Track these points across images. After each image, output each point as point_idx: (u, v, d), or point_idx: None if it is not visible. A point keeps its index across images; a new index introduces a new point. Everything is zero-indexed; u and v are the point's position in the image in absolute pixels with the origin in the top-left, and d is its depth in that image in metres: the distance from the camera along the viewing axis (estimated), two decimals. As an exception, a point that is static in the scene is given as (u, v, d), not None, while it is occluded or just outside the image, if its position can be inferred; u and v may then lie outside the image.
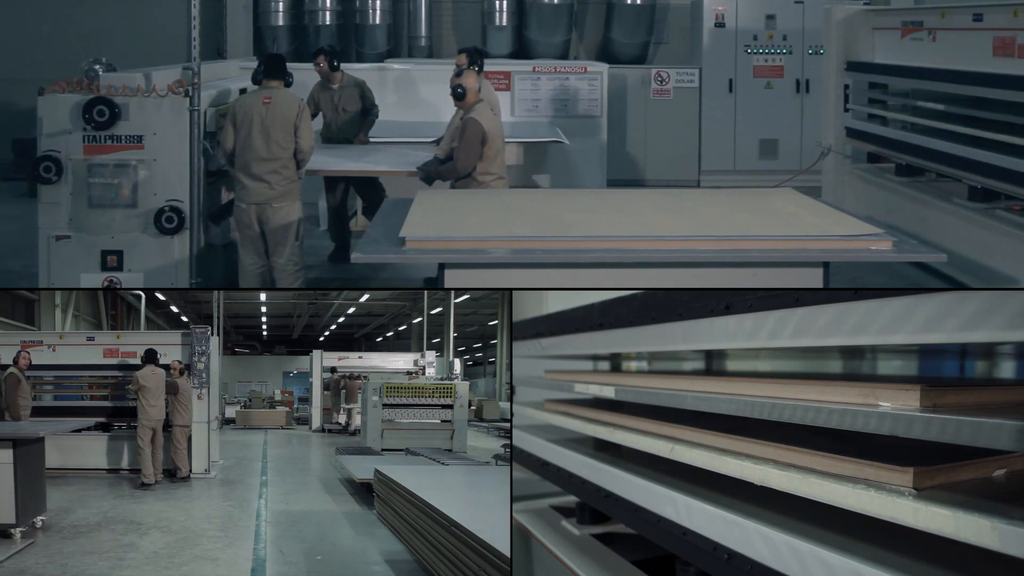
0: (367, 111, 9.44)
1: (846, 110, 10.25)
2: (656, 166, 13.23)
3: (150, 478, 8.77)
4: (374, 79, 10.42)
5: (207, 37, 13.57)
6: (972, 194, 8.10)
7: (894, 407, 2.15)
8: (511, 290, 5.23)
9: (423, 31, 14.46)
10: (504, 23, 14.15)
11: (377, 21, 14.14)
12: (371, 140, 9.46)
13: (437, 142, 8.96)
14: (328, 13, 14.14)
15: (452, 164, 7.55)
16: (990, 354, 2.44)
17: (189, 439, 9.35)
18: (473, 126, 7.39)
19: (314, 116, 8.82)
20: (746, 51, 13.35)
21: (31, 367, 9.17)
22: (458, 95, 7.56)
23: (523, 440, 4.44)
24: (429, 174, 7.81)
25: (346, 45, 14.17)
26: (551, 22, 14.07)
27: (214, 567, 5.61)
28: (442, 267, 5.32)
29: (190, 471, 9.29)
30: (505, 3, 14.09)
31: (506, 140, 7.98)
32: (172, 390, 9.32)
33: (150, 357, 9.33)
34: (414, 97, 10.73)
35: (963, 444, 1.97)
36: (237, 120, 7.28)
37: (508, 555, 3.74)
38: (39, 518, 6.52)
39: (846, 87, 10.23)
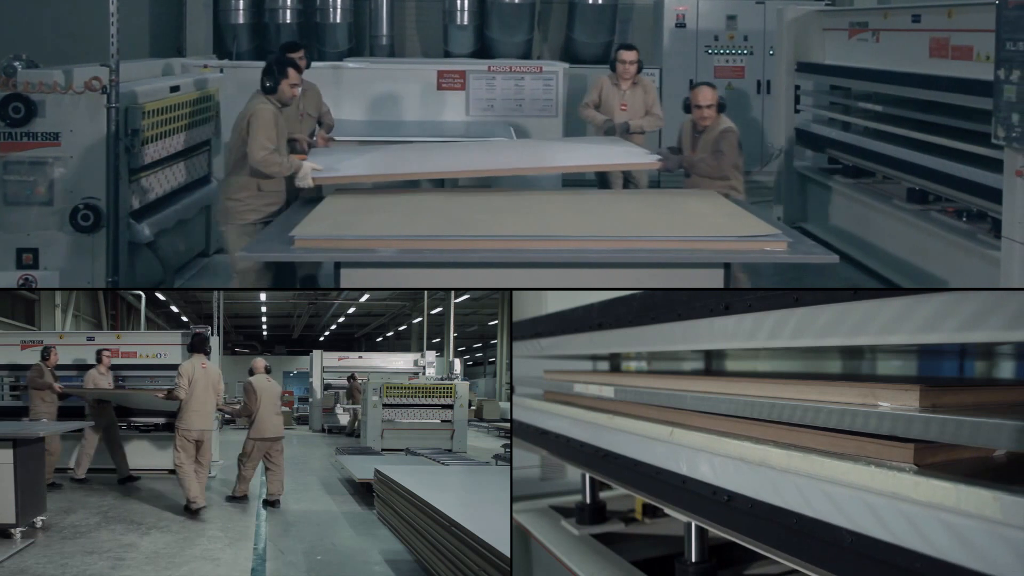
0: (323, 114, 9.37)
1: (797, 111, 10.24)
2: (615, 167, 13.19)
3: (200, 500, 7.27)
4: (331, 78, 10.36)
5: (167, 35, 13.52)
6: (910, 195, 8.11)
7: (894, 407, 2.15)
8: (510, 290, 5.21)
9: (384, 30, 14.40)
10: (466, 22, 14.08)
11: (338, 20, 14.05)
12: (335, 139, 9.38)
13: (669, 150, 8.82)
14: (289, 11, 14.04)
15: (711, 159, 7.18)
16: (989, 354, 2.44)
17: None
18: (733, 137, 7.18)
19: None
20: (707, 52, 13.33)
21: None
22: (721, 107, 7.33)
23: (522, 413, 4.46)
24: (680, 161, 7.40)
25: (307, 44, 14.16)
26: (512, 22, 14.02)
27: (214, 567, 5.61)
28: (338, 266, 5.32)
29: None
30: (467, 2, 14.01)
31: (459, 141, 7.80)
32: (240, 412, 8.25)
33: (198, 345, 7.59)
34: (373, 96, 10.65)
35: (962, 444, 1.97)
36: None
37: (508, 555, 3.74)
38: (39, 518, 6.51)
39: (797, 88, 10.21)
